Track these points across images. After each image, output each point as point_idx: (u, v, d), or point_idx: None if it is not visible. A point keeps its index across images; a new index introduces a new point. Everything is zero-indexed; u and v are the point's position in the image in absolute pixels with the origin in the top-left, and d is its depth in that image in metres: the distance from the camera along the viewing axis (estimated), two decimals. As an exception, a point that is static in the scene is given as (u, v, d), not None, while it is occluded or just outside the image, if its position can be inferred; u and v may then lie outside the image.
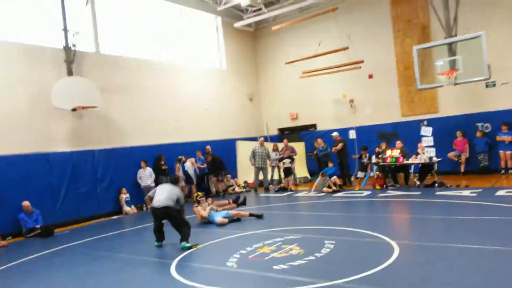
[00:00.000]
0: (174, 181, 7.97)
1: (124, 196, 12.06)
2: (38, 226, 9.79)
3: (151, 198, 7.61)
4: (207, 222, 9.02)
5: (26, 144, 10.44)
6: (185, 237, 7.01)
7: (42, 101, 10.70)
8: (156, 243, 7.39)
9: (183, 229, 7.10)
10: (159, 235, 7.42)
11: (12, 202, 9.71)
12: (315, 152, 14.58)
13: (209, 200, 10.05)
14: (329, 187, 12.04)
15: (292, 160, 13.76)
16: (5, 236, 9.33)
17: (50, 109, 10.71)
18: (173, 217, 7.21)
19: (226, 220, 8.84)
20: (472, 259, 5.15)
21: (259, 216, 9.12)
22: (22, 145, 10.37)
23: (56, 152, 11.00)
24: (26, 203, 9.90)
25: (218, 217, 8.90)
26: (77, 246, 8.25)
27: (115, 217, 11.67)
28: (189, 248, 6.86)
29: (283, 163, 13.63)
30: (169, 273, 5.70)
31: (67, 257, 7.43)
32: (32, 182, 10.36)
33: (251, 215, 9.22)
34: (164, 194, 7.31)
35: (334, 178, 12.36)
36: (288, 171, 13.61)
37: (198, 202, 9.37)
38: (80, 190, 11.36)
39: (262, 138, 14.69)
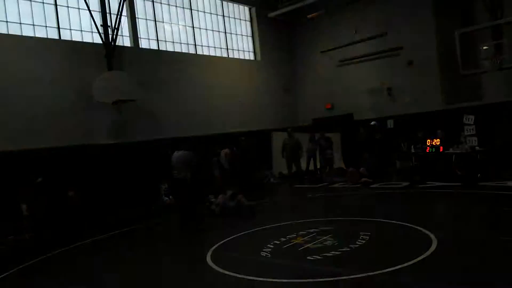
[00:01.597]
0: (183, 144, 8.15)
1: (163, 186, 12.36)
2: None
3: None
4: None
5: (68, 137, 10.92)
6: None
7: (84, 95, 11.14)
8: None
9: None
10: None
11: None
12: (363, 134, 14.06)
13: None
14: (360, 179, 11.86)
15: (332, 150, 13.53)
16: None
17: (92, 103, 11.14)
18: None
19: None
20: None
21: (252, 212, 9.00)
22: (65, 137, 10.85)
23: (97, 144, 11.44)
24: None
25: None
26: (118, 235, 8.58)
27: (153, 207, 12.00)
28: None
29: (325, 154, 13.45)
30: (205, 262, 5.83)
31: (109, 245, 7.76)
32: (75, 174, 10.83)
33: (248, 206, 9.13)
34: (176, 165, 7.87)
35: (363, 170, 12.11)
36: (330, 162, 13.36)
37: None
38: (119, 180, 11.76)
39: (289, 129, 14.54)
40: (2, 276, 6.12)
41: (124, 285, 5.36)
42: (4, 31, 10.25)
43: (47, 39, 10.88)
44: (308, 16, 15.02)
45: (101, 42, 11.60)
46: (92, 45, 11.62)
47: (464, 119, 12.34)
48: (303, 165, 14.64)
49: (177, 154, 8.04)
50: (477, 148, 10.96)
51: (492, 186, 9.33)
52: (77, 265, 6.56)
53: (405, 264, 4.77)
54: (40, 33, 10.85)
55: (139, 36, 12.93)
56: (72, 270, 6.31)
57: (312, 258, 5.39)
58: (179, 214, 8.16)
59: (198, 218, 8.10)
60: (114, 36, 11.66)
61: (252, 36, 17.11)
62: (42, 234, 8.44)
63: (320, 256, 5.46)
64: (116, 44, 11.78)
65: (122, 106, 11.65)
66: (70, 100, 11.05)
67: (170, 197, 12.44)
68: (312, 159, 14.57)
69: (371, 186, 11.31)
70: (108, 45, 11.64)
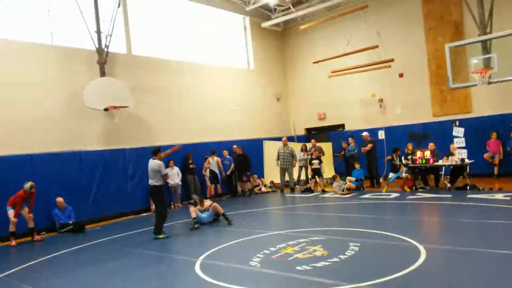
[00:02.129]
0: (154, 152, 8.34)
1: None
2: (70, 222, 10.15)
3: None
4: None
5: (60, 143, 10.85)
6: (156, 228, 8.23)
7: (76, 101, 11.08)
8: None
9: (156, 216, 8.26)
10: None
11: (47, 199, 10.08)
12: (342, 153, 14.38)
13: (205, 202, 9.87)
14: (347, 189, 11.99)
15: (320, 161, 13.60)
16: (40, 231, 9.72)
17: (83, 109, 11.08)
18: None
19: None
20: (501, 266, 4.96)
21: (229, 221, 9.06)
22: (56, 143, 10.78)
23: (88, 151, 11.36)
24: (60, 199, 10.29)
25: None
26: (106, 242, 8.51)
27: (143, 214, 11.93)
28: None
29: (312, 164, 13.50)
30: (193, 270, 5.79)
31: (96, 253, 7.69)
32: (64, 180, 10.74)
33: (223, 215, 9.23)
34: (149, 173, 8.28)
35: (349, 180, 12.26)
36: (318, 172, 13.44)
37: (194, 204, 9.65)
38: (110, 187, 11.69)
39: (285, 138, 14.58)
40: None
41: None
42: (-4, 35, 10.21)
43: (39, 44, 10.82)
44: (301, 27, 15.15)
45: (94, 48, 11.57)
46: (85, 51, 11.58)
47: (453, 131, 12.52)
48: (295, 174, 14.69)
49: (150, 162, 8.33)
50: (466, 160, 11.07)
51: (480, 198, 9.42)
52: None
53: (395, 276, 4.78)
54: (33, 38, 10.79)
55: (132, 43, 12.92)
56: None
57: (301, 269, 5.38)
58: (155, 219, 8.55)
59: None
60: (107, 42, 11.64)
61: (246, 46, 17.20)
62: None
63: (309, 266, 5.45)
64: (109, 50, 11.76)
65: (114, 113, 11.59)
66: (61, 105, 10.98)
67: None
68: (304, 168, 14.64)
69: (361, 196, 11.36)
70: (101, 51, 11.61)
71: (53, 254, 7.74)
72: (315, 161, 13.32)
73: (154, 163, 8.21)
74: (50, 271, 6.61)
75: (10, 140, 9.99)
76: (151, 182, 8.25)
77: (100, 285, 5.69)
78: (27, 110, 10.32)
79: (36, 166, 10.23)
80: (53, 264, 7.12)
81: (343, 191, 12.04)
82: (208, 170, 13.63)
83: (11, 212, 8.98)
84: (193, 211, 9.31)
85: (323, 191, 12.88)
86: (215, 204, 9.53)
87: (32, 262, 7.27)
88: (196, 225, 8.95)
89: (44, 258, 7.50)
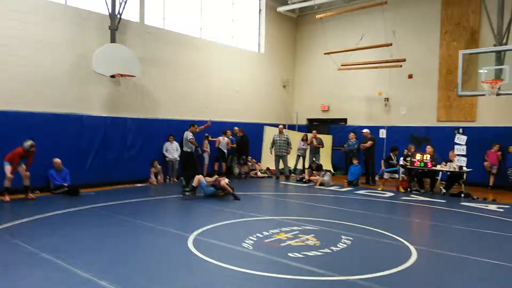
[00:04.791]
0: (190, 125, 10.84)
1: (154, 170, 12.32)
2: (65, 184, 10.17)
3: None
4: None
5: (63, 104, 10.78)
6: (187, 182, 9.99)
7: (83, 64, 10.98)
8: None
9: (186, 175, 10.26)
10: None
11: (44, 158, 10.03)
12: (345, 145, 14.35)
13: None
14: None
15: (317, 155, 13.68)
16: (34, 190, 9.73)
17: (90, 73, 10.98)
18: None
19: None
20: (490, 274, 5.04)
21: (236, 198, 9.66)
22: (59, 104, 10.71)
23: (90, 116, 11.31)
24: (57, 160, 10.29)
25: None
26: (100, 208, 8.54)
27: (139, 185, 11.96)
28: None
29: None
30: (186, 245, 5.83)
31: (89, 217, 7.72)
32: (64, 142, 10.71)
33: (232, 194, 9.76)
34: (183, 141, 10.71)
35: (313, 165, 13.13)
36: (320, 167, 13.38)
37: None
38: (108, 155, 11.68)
39: (281, 126, 14.57)
40: None
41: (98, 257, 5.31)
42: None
43: (52, 2, 10.65)
44: (316, 16, 14.97)
45: (107, 13, 11.41)
46: (98, 15, 11.42)
47: (456, 138, 12.52)
48: (292, 162, 14.73)
49: (185, 133, 10.70)
50: (464, 168, 11.12)
51: (474, 207, 9.49)
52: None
53: (385, 273, 4.84)
54: (46, -5, 10.62)
55: (145, 12, 12.75)
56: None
57: (293, 256, 5.43)
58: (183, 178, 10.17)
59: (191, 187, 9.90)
60: (121, 9, 11.48)
61: (259, 28, 17.02)
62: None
63: (301, 254, 5.50)
64: (122, 17, 11.60)
65: (120, 81, 11.51)
66: (68, 66, 10.88)
67: (158, 177, 12.46)
68: (301, 158, 14.68)
69: (356, 192, 11.42)
70: (114, 17, 11.46)
71: (46, 214, 7.76)
72: (311, 156, 13.52)
73: (186, 133, 10.63)
74: (42, 230, 6.64)
75: (14, 96, 9.91)
76: (184, 149, 10.72)
77: (92, 248, 5.72)
78: (33, 67, 10.23)
79: (37, 124, 10.18)
80: (45, 223, 7.15)
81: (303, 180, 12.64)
82: (208, 147, 13.69)
83: (7, 168, 8.97)
84: (198, 180, 9.78)
85: (277, 179, 13.65)
86: (223, 183, 9.81)
87: (25, 220, 7.29)
88: (188, 193, 9.51)
89: (36, 217, 7.52)
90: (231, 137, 14.08)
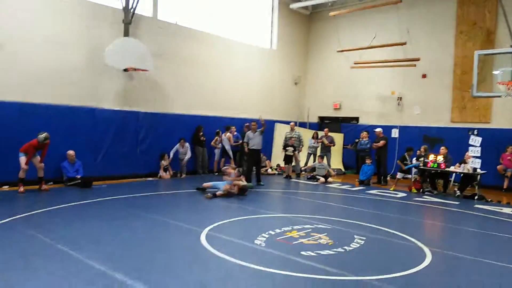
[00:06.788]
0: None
1: (165, 163, 12.35)
2: (78, 177, 10.25)
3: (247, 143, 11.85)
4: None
5: (76, 97, 10.84)
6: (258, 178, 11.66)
7: (96, 58, 11.02)
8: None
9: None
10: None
11: (57, 150, 10.13)
12: (357, 141, 14.22)
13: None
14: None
15: (295, 149, 13.56)
16: (47, 181, 9.81)
17: (103, 67, 11.02)
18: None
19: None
20: (508, 278, 4.97)
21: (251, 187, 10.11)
22: (73, 97, 10.78)
23: (103, 109, 11.37)
24: (71, 152, 10.38)
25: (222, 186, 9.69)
26: (113, 201, 8.60)
27: (150, 179, 12.01)
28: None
29: (286, 151, 13.55)
30: (198, 240, 5.85)
31: (103, 209, 7.78)
32: (77, 134, 10.80)
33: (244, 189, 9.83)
34: (257, 140, 11.77)
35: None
36: (289, 159, 13.50)
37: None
38: (120, 148, 11.74)
39: (292, 123, 14.49)
40: None
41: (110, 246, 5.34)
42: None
43: (67, -5, 10.71)
44: (330, 13, 14.86)
45: (121, 7, 11.45)
46: (112, 9, 11.46)
47: (470, 140, 12.37)
48: (303, 160, 14.68)
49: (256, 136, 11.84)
50: (478, 170, 10.98)
51: (487, 209, 9.38)
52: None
53: (399, 274, 4.79)
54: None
55: (158, 7, 12.77)
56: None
57: (306, 254, 5.41)
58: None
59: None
60: (135, 3, 11.49)
61: (271, 25, 16.95)
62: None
63: (313, 253, 5.48)
64: (136, 12, 11.62)
65: (133, 74, 11.54)
66: (82, 60, 10.94)
67: (167, 172, 12.49)
68: (312, 156, 14.62)
69: (368, 192, 11.35)
70: (128, 11, 11.48)
71: (60, 206, 7.83)
72: (290, 148, 13.37)
73: (247, 133, 12.02)
74: (56, 222, 6.70)
75: (29, 88, 10.00)
76: (254, 147, 11.85)
77: (106, 240, 5.75)
78: (47, 60, 10.30)
79: (51, 116, 10.27)
80: (60, 215, 7.21)
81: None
82: (220, 144, 13.67)
83: (22, 159, 9.06)
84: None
85: (288, 177, 13.54)
86: (237, 183, 9.71)
87: (39, 211, 7.37)
88: (207, 194, 9.38)
89: (50, 208, 7.60)
90: (235, 133, 14.00)
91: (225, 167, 10.85)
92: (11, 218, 6.71)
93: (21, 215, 6.96)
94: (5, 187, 9.33)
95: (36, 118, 9.95)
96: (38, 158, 9.32)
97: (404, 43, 12.98)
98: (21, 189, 9.00)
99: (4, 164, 9.31)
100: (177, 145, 12.69)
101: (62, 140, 10.35)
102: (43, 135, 9.09)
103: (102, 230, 6.29)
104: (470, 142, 12.28)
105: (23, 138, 9.25)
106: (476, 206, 9.79)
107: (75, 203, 8.17)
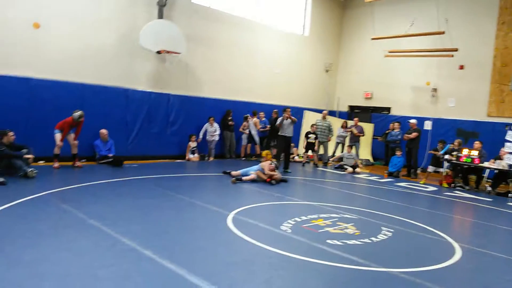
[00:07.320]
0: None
1: (192, 144, 12.49)
2: (110, 155, 10.51)
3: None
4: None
5: (110, 77, 11.06)
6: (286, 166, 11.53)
7: (130, 39, 11.18)
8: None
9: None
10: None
11: (90, 129, 10.43)
12: (387, 132, 13.98)
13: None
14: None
15: (316, 137, 13.39)
16: (80, 158, 10.13)
17: (137, 48, 11.18)
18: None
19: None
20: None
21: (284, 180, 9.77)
22: (107, 77, 11.00)
23: (135, 90, 11.56)
24: (104, 131, 10.64)
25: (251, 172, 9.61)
26: (143, 180, 8.79)
27: (178, 160, 12.20)
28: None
29: (308, 138, 13.43)
30: (225, 223, 5.91)
31: (133, 188, 7.97)
32: (110, 114, 11.05)
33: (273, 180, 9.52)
34: (290, 128, 11.55)
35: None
36: (311, 146, 13.38)
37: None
38: (151, 129, 11.95)
39: (325, 111, 14.34)
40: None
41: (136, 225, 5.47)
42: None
43: (103, -24, 10.84)
44: (366, 0, 14.48)
45: (156, -12, 11.53)
46: (147, -10, 11.56)
47: (507, 135, 11.89)
48: (331, 149, 14.55)
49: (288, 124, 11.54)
50: (514, 167, 10.58)
51: (522, 208, 9.07)
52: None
53: (428, 268, 4.71)
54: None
55: (193, -10, 12.79)
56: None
57: (332, 243, 5.38)
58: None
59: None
60: (170, -15, 11.55)
61: (305, 10, 16.68)
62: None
63: (340, 242, 5.44)
64: (170, -7, 11.68)
65: (166, 57, 11.65)
66: (116, 41, 11.11)
67: (195, 154, 12.63)
68: (341, 145, 14.46)
69: (397, 184, 11.15)
70: (162, -7, 11.55)
71: (92, 182, 8.07)
72: (312, 136, 13.20)
73: (284, 120, 11.47)
74: (88, 197, 6.90)
75: (65, 67, 10.26)
76: (285, 134, 11.58)
77: (136, 218, 5.90)
78: (83, 40, 10.52)
79: (86, 95, 10.54)
80: (92, 191, 7.43)
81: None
82: (248, 129, 13.69)
83: (58, 136, 9.36)
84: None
85: (315, 165, 13.44)
86: (270, 174, 9.56)
87: (72, 186, 7.63)
88: (234, 179, 9.36)
89: (83, 184, 7.84)
90: (264, 119, 13.92)
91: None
92: (46, 192, 6.97)
93: (56, 190, 7.21)
94: (41, 162, 9.67)
95: (72, 96, 10.23)
96: (72, 135, 9.60)
97: (443, 32, 12.52)
98: (56, 164, 9.32)
99: (40, 140, 9.64)
100: (207, 124, 12.78)
101: (96, 119, 10.61)
102: (78, 113, 9.35)
103: (131, 208, 6.45)
104: (507, 137, 11.81)
105: (59, 116, 9.54)
106: (510, 204, 9.46)
107: (107, 180, 8.40)
